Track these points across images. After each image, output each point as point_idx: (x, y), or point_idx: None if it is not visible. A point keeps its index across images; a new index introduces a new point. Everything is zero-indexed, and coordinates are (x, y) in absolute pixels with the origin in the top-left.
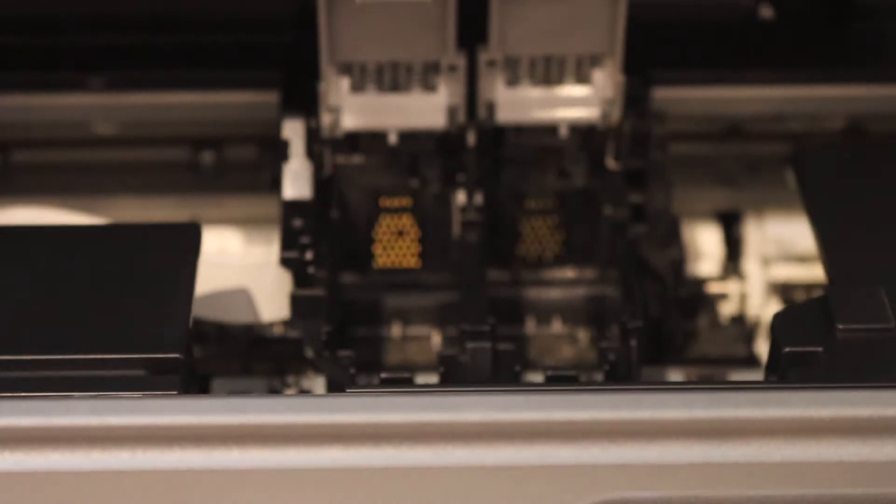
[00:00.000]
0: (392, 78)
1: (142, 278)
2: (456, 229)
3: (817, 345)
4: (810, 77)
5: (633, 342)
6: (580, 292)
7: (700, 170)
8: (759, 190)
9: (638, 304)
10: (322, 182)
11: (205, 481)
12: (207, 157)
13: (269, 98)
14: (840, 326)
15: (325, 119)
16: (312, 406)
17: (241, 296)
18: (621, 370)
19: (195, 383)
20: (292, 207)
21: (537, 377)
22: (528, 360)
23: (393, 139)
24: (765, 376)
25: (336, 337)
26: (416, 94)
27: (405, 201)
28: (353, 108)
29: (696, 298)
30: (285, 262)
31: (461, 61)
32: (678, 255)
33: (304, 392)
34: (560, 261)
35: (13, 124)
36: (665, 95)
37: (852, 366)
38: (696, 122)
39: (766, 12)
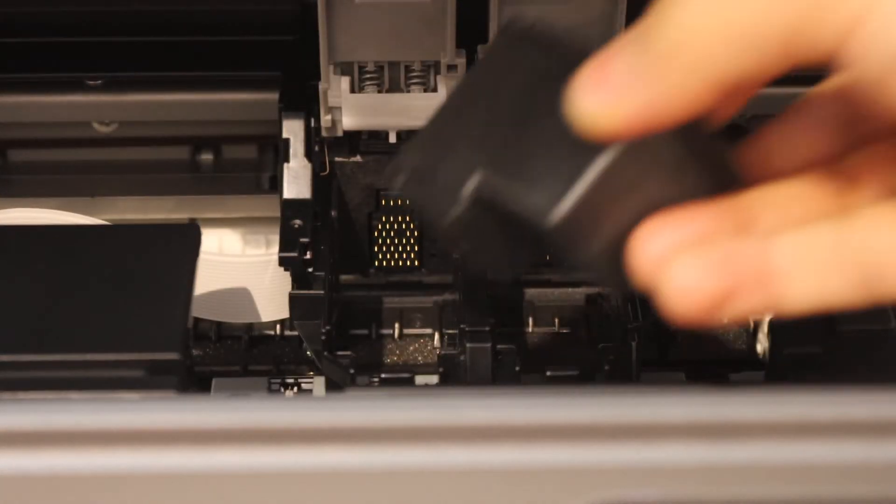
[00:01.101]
0: (392, 78)
1: (141, 278)
2: None
3: (817, 345)
4: (810, 76)
5: (633, 342)
6: (580, 292)
7: None
8: None
9: (638, 305)
10: (322, 182)
11: (204, 482)
12: (207, 157)
13: (269, 98)
14: (840, 327)
15: (325, 119)
16: (312, 406)
17: (241, 295)
18: (621, 370)
19: (194, 383)
20: (292, 207)
21: (537, 377)
22: (527, 361)
23: (392, 139)
24: (765, 376)
25: (336, 337)
26: (416, 93)
27: (405, 201)
28: (352, 108)
29: None
30: (285, 261)
31: (461, 61)
32: None
33: (303, 392)
34: (560, 261)
35: (13, 124)
36: None
37: (852, 366)
38: None
39: None
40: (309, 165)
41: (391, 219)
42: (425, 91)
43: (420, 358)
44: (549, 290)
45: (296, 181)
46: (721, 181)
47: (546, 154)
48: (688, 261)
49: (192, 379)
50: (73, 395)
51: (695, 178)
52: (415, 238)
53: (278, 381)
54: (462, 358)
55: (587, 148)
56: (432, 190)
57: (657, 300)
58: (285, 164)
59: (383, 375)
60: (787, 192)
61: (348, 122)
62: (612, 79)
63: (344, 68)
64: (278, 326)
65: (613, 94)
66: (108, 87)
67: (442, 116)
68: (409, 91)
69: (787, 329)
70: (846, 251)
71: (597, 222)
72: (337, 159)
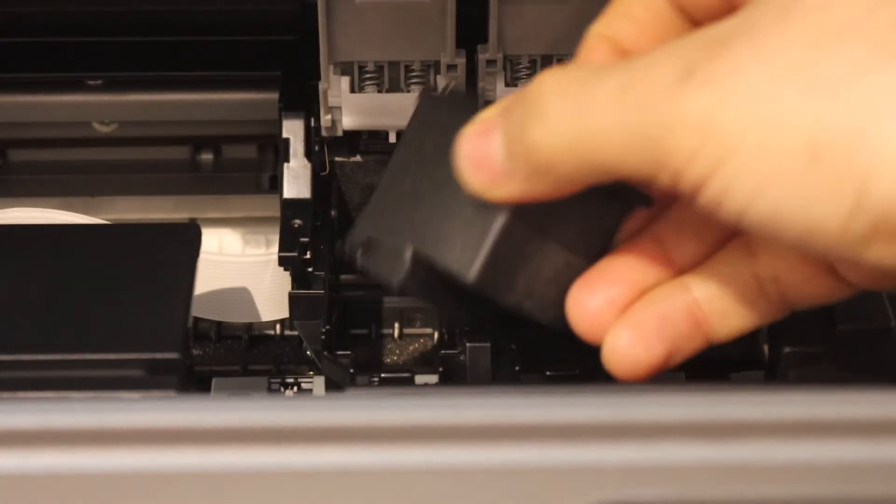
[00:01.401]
0: (392, 78)
1: (141, 278)
2: None
3: (817, 345)
4: None
5: None
6: None
7: None
8: None
9: None
10: (322, 181)
11: (204, 481)
12: (207, 156)
13: (269, 98)
14: (840, 326)
15: (325, 119)
16: (312, 406)
17: (241, 295)
18: None
19: (194, 383)
20: (292, 207)
21: (537, 377)
22: (527, 360)
23: (392, 139)
24: (765, 376)
25: (336, 337)
26: (416, 93)
27: None
28: (352, 108)
29: None
30: (285, 261)
31: (461, 61)
32: None
33: (303, 392)
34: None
35: (13, 124)
36: None
37: (852, 366)
38: None
39: None
40: (309, 165)
41: None
42: None
43: (420, 358)
44: None
45: (296, 181)
46: (629, 201)
47: (458, 215)
48: (626, 335)
49: (192, 379)
50: (73, 395)
51: (601, 206)
52: None
53: (278, 380)
54: (462, 358)
55: (491, 206)
56: (379, 259)
57: (602, 356)
58: (285, 164)
59: (383, 375)
60: (692, 217)
61: (348, 121)
62: (491, 167)
63: (344, 68)
64: (278, 326)
65: (493, 179)
66: (108, 87)
67: (381, 190)
68: (409, 91)
69: (787, 329)
70: (763, 283)
71: (517, 266)
72: (337, 159)
